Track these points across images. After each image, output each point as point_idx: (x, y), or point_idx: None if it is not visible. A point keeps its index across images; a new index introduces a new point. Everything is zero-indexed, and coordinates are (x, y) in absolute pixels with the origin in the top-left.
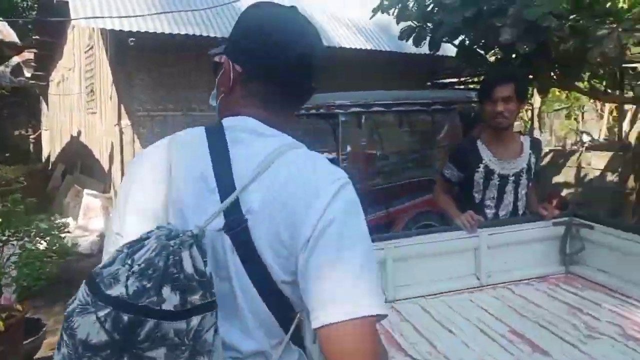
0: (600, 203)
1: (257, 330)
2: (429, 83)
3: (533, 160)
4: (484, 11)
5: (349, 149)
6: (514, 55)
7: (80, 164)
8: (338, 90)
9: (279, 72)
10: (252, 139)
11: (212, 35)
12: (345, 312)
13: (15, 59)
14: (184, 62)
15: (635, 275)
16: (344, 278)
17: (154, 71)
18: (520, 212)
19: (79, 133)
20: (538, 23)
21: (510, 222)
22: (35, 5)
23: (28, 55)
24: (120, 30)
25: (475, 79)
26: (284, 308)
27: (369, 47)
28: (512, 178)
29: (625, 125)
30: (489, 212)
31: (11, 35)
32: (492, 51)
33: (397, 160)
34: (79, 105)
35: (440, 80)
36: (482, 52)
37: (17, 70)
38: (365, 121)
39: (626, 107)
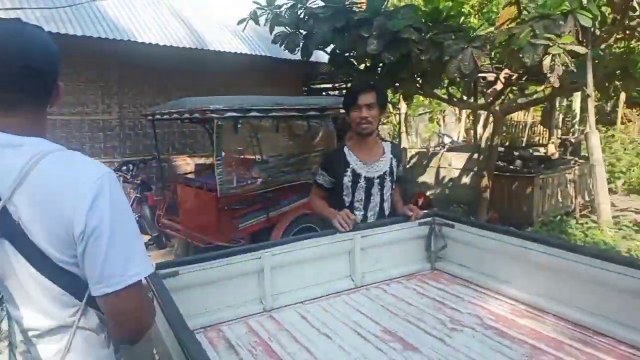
0: (459, 200)
1: (52, 307)
2: (305, 88)
3: (394, 163)
4: (352, 22)
5: (223, 154)
6: (380, 64)
7: None
8: (216, 93)
9: (7, 82)
10: (2, 153)
11: (70, 32)
12: (118, 282)
13: None
14: None
15: (489, 268)
16: (115, 262)
17: None
18: (387, 212)
19: None
20: (399, 35)
21: (381, 225)
22: None
23: None
24: None
25: (349, 85)
26: (74, 283)
27: (245, 52)
28: (377, 180)
29: (480, 129)
30: (358, 214)
31: None
32: (362, 59)
33: (275, 164)
34: None
35: (317, 86)
36: (352, 60)
37: None
38: (241, 126)
39: (479, 112)
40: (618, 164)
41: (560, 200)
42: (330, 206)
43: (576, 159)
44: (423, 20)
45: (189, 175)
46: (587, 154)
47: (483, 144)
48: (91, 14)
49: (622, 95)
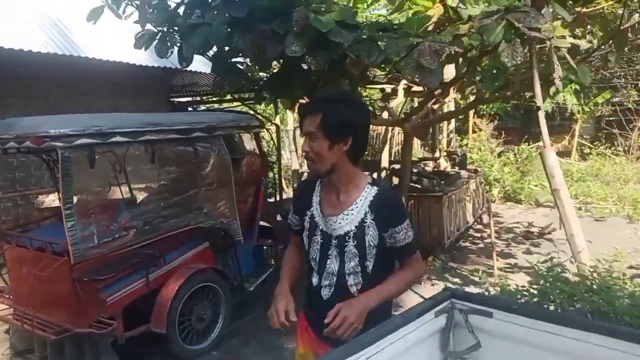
0: None
1: None
2: (171, 101)
3: (370, 220)
4: (258, 14)
5: (75, 199)
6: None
7: None
8: (47, 112)
9: None
10: None
11: None
12: None
13: None
14: None
15: None
16: None
17: None
18: (353, 291)
19: None
20: (330, 37)
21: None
22: None
23: None
24: None
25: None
26: None
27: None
28: (334, 241)
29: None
30: (313, 280)
31: None
32: (267, 65)
33: (153, 207)
34: None
35: (181, 99)
36: (240, 66)
37: None
38: (100, 157)
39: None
40: (490, 173)
41: (461, 217)
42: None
43: (466, 172)
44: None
45: (21, 229)
46: (471, 167)
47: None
48: None
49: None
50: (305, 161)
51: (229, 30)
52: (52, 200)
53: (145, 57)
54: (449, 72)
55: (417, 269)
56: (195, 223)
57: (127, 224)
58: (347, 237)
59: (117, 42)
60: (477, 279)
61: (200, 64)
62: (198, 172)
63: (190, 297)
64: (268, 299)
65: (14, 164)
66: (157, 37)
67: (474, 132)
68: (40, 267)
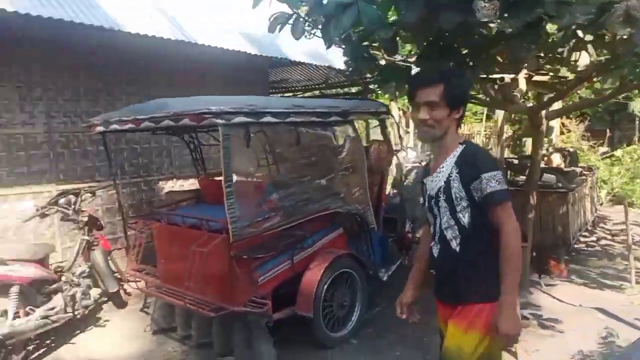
0: None
1: None
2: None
3: (455, 175)
4: None
5: (234, 177)
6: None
7: None
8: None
9: None
10: None
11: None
12: None
13: None
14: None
15: None
16: None
17: None
18: (454, 246)
19: None
20: None
21: None
22: None
23: None
24: None
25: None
26: None
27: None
28: (433, 200)
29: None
30: (434, 250)
31: None
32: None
33: (297, 189)
34: None
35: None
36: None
37: None
38: (253, 136)
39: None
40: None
41: (582, 216)
42: None
43: (581, 170)
44: None
45: (167, 209)
46: (584, 164)
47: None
48: None
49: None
50: (417, 129)
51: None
52: (170, 186)
53: (248, 47)
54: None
55: (510, 234)
56: (334, 208)
57: (275, 205)
58: (439, 193)
59: (219, 28)
60: (616, 283)
61: (303, 56)
62: (335, 157)
63: (331, 283)
64: (397, 290)
65: (137, 150)
66: (292, 18)
67: (562, 133)
68: (197, 244)
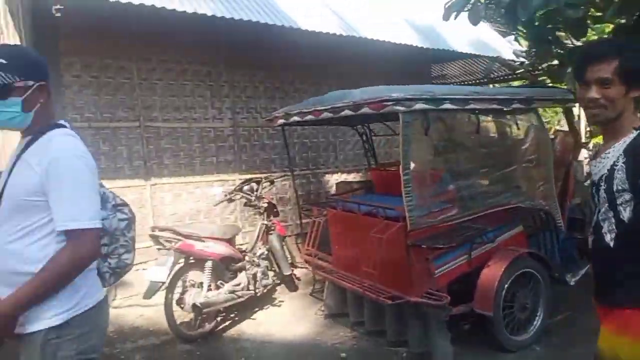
0: None
1: None
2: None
3: (622, 165)
4: None
5: (412, 165)
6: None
7: None
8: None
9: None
10: None
11: (199, 12)
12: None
13: None
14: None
15: None
16: None
17: (96, 64)
18: (607, 240)
19: None
20: None
21: None
22: None
23: None
24: None
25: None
26: None
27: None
28: (594, 187)
29: None
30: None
31: None
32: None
33: (475, 181)
34: None
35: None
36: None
37: None
38: (431, 124)
39: None
40: None
41: None
42: None
43: None
44: None
45: (342, 197)
46: None
47: None
48: None
49: None
50: (585, 111)
51: None
52: (335, 179)
53: (416, 39)
54: None
55: None
56: (516, 202)
57: (453, 196)
58: (600, 181)
59: (384, 21)
60: None
61: (467, 47)
62: (518, 147)
63: (512, 283)
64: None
65: (307, 144)
66: (471, 2)
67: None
68: (373, 231)
